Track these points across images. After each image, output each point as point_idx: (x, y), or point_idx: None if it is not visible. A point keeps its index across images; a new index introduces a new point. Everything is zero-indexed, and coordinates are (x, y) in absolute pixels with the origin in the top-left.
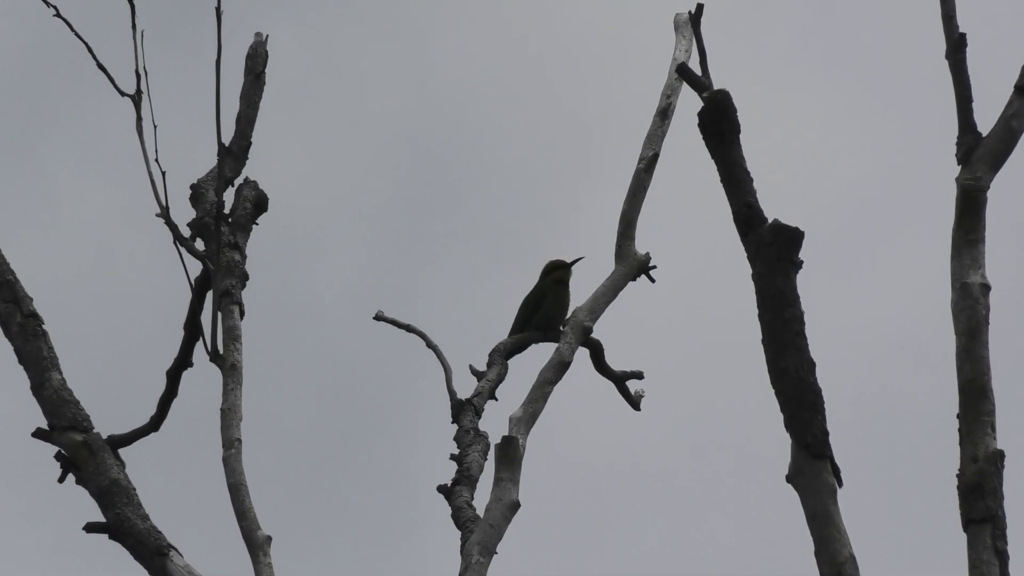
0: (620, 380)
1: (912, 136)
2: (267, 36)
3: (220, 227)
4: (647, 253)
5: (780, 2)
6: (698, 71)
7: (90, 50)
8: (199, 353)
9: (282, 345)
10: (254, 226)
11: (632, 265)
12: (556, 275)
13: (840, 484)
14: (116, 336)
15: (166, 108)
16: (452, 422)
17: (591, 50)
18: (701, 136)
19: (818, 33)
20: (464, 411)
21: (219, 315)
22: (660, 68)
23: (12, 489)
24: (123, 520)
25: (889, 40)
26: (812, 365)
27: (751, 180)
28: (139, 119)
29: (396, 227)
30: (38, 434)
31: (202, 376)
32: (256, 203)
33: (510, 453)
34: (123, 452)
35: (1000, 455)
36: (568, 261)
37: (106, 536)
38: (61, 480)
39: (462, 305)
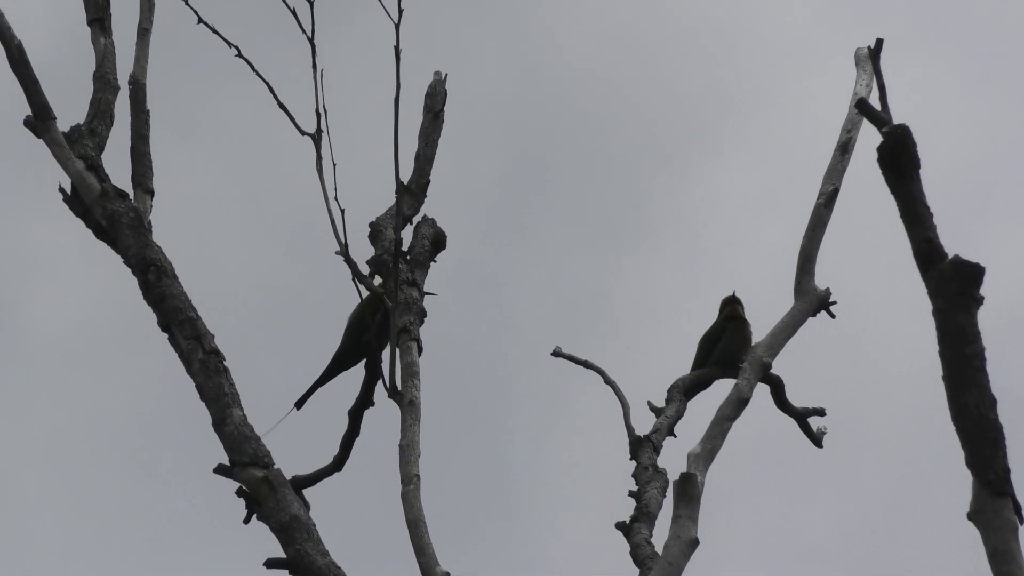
0: (801, 417)
1: None
2: (446, 75)
3: (398, 264)
4: (827, 288)
5: (955, 30)
6: (878, 105)
7: (271, 89)
8: (378, 389)
9: (458, 381)
10: (432, 263)
11: (811, 300)
12: (728, 311)
13: (1022, 521)
14: (297, 374)
15: (345, 147)
16: (630, 459)
17: (770, 81)
18: (880, 171)
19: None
20: (642, 448)
21: (397, 352)
22: (842, 102)
23: (195, 526)
24: (303, 556)
25: None
26: (993, 401)
27: (931, 215)
28: (319, 158)
29: (571, 259)
30: (219, 470)
31: (380, 413)
32: (434, 240)
33: (689, 490)
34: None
35: None
36: (738, 296)
37: (286, 572)
38: (246, 521)
39: (641, 341)
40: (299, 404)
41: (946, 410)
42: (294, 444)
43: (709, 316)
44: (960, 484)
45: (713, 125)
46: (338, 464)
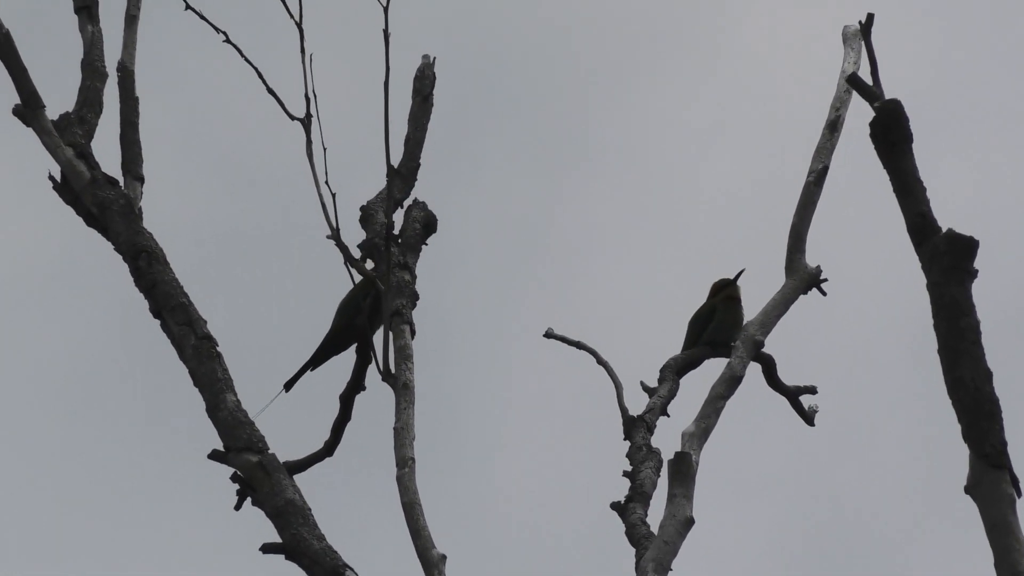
0: (793, 395)
1: None
2: (434, 58)
3: (390, 248)
4: (818, 266)
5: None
6: (869, 81)
7: (260, 75)
8: (370, 373)
9: (452, 363)
10: (423, 247)
11: (803, 278)
12: (726, 292)
13: (1019, 494)
14: (288, 359)
15: (335, 131)
16: (624, 439)
17: (758, 63)
18: (873, 146)
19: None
20: (636, 427)
21: (390, 335)
22: (829, 80)
23: (189, 511)
24: (299, 540)
25: None
26: (989, 374)
27: (924, 189)
28: (309, 142)
29: (556, 239)
30: (214, 456)
31: (373, 396)
32: (425, 224)
33: (683, 469)
34: (297, 477)
35: None
36: (732, 278)
37: (282, 556)
38: (238, 508)
39: (632, 321)
40: (288, 386)
41: (940, 386)
42: (286, 430)
43: (702, 292)
44: (956, 460)
45: (664, 56)
46: (329, 449)
